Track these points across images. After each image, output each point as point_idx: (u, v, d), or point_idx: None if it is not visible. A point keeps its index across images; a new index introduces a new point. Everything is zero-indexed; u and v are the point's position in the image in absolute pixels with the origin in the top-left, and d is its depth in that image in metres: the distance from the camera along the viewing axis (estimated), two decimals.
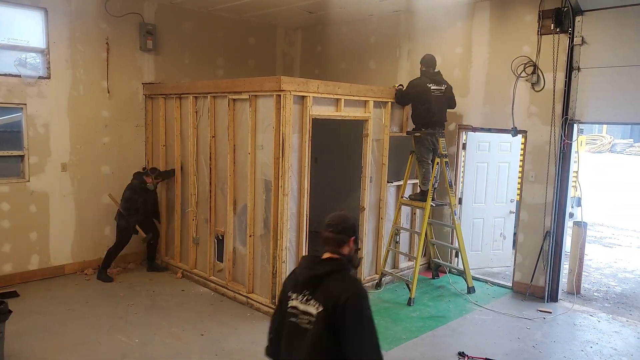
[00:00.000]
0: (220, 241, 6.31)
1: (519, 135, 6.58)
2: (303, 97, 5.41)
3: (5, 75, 6.07)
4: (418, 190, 6.65)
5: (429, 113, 6.23)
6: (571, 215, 6.41)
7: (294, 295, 2.39)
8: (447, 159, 6.36)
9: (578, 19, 5.88)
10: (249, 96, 5.61)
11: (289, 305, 2.39)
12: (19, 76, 6.15)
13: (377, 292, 6.44)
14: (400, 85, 6.61)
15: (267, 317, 5.49)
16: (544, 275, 6.30)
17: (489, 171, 7.31)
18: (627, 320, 5.85)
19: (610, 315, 5.97)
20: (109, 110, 6.96)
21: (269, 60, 8.92)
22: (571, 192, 6.33)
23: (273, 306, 5.52)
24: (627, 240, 10.27)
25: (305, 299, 2.34)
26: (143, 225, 6.74)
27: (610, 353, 5.02)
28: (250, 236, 5.79)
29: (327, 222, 2.48)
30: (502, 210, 7.47)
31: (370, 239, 6.56)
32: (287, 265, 5.52)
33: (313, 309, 2.29)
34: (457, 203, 6.88)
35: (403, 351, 4.90)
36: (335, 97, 5.74)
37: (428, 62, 6.36)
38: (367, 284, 6.49)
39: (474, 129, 6.90)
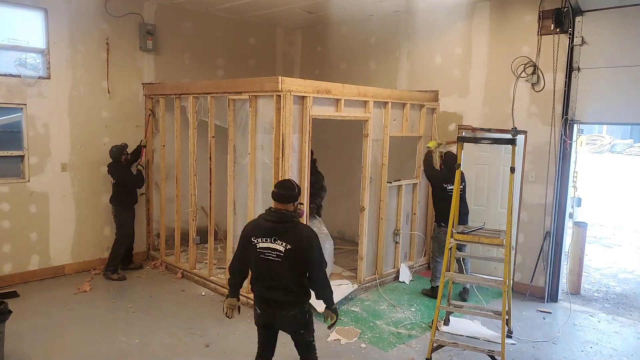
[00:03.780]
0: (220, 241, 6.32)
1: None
2: (303, 97, 5.40)
3: (5, 75, 6.07)
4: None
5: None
6: (571, 215, 6.40)
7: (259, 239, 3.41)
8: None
9: (578, 19, 5.89)
10: (249, 96, 5.60)
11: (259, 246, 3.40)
12: (19, 76, 6.15)
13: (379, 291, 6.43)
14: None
15: None
16: (544, 276, 6.31)
17: (490, 173, 6.97)
18: (627, 321, 5.85)
19: (610, 316, 5.97)
20: (109, 110, 6.97)
21: (269, 61, 8.93)
22: (571, 193, 6.32)
23: None
24: (627, 240, 10.27)
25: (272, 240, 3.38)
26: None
27: (610, 353, 5.02)
28: None
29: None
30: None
31: (371, 238, 6.56)
32: None
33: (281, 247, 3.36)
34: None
35: (402, 352, 4.90)
36: (335, 97, 5.74)
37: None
38: (367, 284, 6.49)
39: (474, 129, 6.89)
